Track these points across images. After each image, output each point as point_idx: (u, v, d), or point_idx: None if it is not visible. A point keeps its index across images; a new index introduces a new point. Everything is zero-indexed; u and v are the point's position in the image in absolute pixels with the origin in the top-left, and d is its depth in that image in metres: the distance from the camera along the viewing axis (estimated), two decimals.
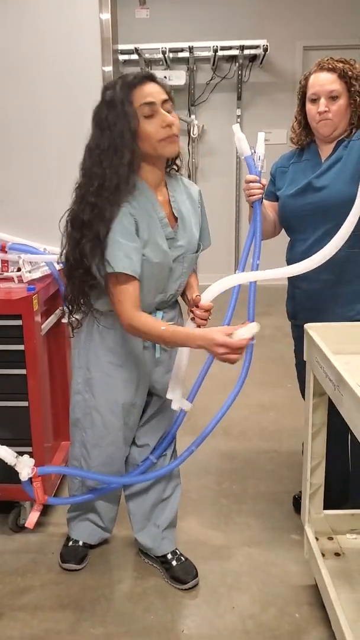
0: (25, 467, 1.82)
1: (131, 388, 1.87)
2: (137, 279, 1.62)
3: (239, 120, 5.93)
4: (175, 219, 1.75)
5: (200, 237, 1.86)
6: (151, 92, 1.58)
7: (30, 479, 1.83)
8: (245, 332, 1.53)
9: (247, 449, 2.92)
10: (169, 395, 1.80)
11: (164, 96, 1.60)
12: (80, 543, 2.14)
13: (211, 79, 5.93)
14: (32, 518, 1.90)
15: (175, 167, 1.80)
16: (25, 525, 1.91)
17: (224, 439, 2.99)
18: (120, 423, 1.90)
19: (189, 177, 6.13)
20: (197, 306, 1.74)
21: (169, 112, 1.61)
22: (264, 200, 1.99)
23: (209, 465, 2.75)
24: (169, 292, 1.81)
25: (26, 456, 1.86)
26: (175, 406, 1.80)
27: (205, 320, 1.74)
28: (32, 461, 1.85)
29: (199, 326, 1.73)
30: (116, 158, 1.58)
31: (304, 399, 2.17)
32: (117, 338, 1.81)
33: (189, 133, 6.02)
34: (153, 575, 2.05)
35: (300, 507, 2.31)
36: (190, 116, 5.96)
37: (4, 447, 1.83)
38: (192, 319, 1.74)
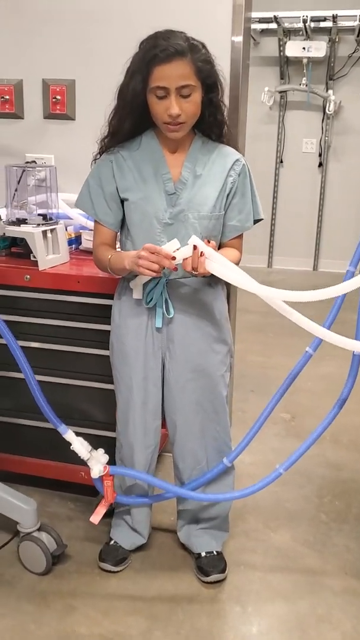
0: (97, 464, 1.73)
1: (140, 358, 1.77)
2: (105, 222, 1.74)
3: None
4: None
5: (230, 212, 1.74)
6: (169, 75, 1.53)
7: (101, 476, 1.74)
8: (167, 246, 1.56)
9: (356, 460, 2.65)
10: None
11: (184, 82, 1.54)
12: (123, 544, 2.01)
13: (354, 52, 5.48)
14: (98, 512, 1.82)
15: (214, 135, 1.73)
16: (90, 520, 1.83)
17: (332, 446, 2.74)
18: (136, 400, 1.81)
19: (320, 155, 5.78)
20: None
21: (186, 96, 1.56)
22: None
23: (311, 473, 2.52)
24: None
25: (100, 451, 1.77)
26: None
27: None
28: (105, 458, 1.76)
29: None
30: (117, 111, 1.67)
31: None
32: (129, 302, 1.77)
33: (324, 109, 5.64)
34: (236, 590, 1.88)
35: None
36: (327, 91, 5.57)
37: (80, 439, 1.76)
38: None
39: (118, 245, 1.83)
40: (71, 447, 1.75)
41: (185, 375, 1.78)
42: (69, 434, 1.75)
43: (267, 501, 2.32)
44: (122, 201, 1.72)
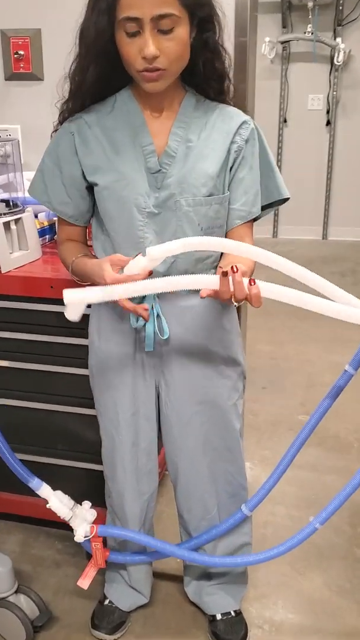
0: (82, 524, 1.37)
1: (127, 390, 1.40)
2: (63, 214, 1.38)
3: None
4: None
5: (234, 191, 1.32)
6: (142, 1, 1.11)
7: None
8: (133, 266, 1.15)
9: None
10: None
11: (162, 9, 1.12)
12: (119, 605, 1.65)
13: None
14: (87, 575, 1.49)
15: (212, 91, 1.31)
16: (78, 584, 1.50)
17: (359, 464, 2.37)
18: (124, 439, 1.43)
19: (327, 112, 5.29)
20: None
21: (167, 31, 1.14)
22: None
23: None
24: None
25: (86, 505, 1.41)
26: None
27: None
28: (92, 515, 1.40)
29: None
30: (79, 60, 1.26)
31: None
32: (109, 319, 1.39)
33: (331, 60, 5.12)
34: None
35: None
36: (335, 39, 5.04)
37: (59, 493, 1.39)
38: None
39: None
40: (47, 505, 1.38)
41: (190, 409, 1.40)
42: (43, 489, 1.38)
43: (291, 533, 1.96)
44: (92, 186, 1.31)
